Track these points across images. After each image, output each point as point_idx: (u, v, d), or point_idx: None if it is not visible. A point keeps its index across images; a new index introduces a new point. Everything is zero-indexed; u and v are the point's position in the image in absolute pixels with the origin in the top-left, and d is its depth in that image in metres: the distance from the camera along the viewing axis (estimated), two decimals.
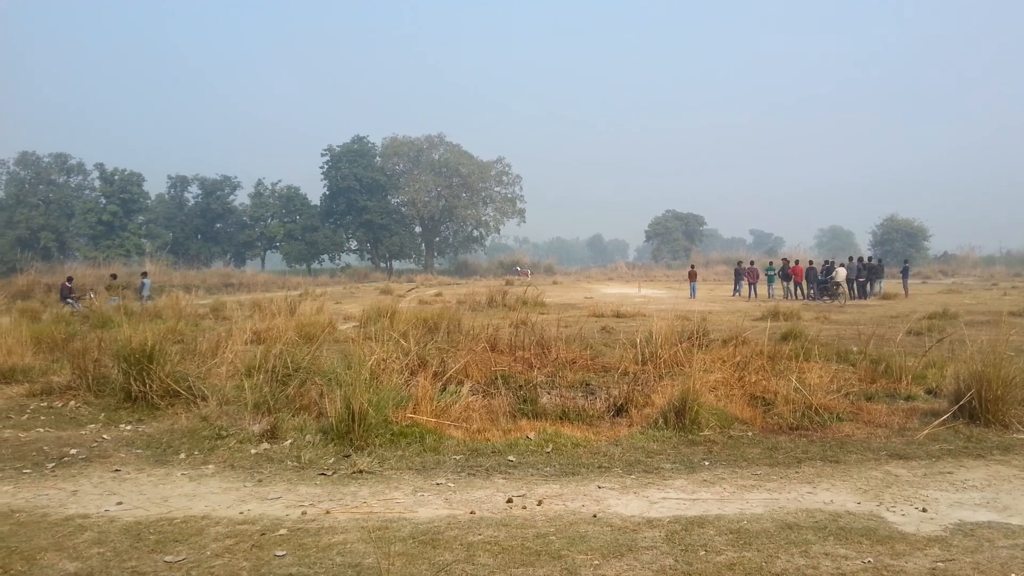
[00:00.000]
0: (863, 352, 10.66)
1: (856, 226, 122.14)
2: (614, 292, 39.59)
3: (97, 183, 73.86)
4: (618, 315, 20.67)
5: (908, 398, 8.99)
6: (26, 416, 8.69)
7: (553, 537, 4.82)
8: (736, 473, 6.39)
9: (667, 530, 4.95)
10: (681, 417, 7.67)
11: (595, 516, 5.27)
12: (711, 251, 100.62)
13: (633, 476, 6.31)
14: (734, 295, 35.17)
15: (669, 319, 12.64)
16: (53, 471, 6.60)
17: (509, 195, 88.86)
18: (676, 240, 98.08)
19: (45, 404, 9.18)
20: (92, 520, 5.31)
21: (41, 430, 8.08)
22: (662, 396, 8.24)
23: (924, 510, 5.37)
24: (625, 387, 8.82)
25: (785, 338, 12.66)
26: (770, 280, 35.97)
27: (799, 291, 32.96)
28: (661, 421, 7.75)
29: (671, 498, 5.71)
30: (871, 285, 33.04)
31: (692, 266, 43.52)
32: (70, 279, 29.33)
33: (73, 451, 7.17)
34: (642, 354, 10.25)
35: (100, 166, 73.07)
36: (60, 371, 10.47)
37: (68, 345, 11.99)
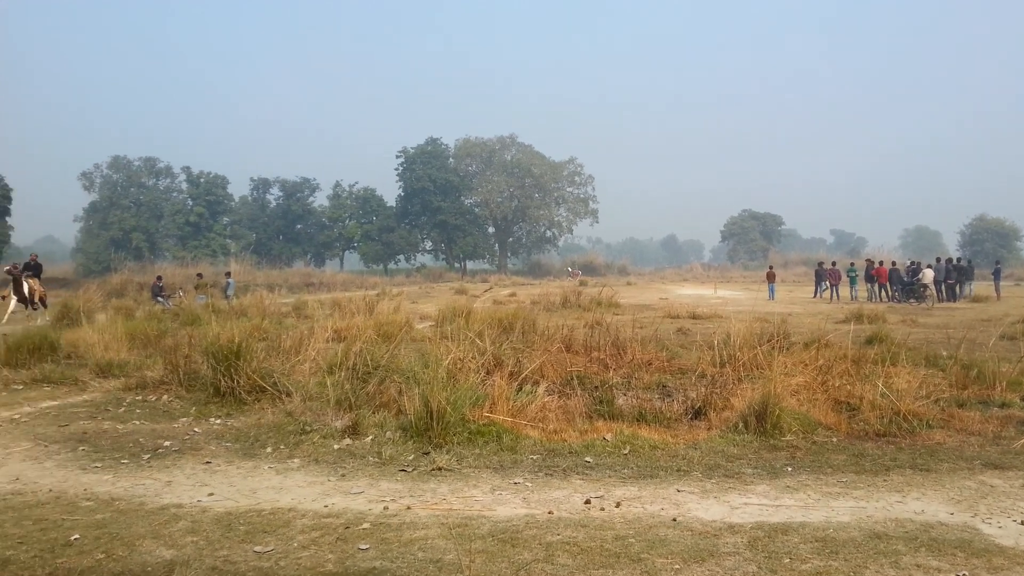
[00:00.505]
0: (953, 357, 10.25)
1: (943, 226, 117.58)
2: (689, 293, 39.04)
3: (184, 186, 76.92)
4: (694, 316, 20.39)
5: (1003, 405, 8.60)
6: (123, 409, 9.12)
7: (632, 540, 4.80)
8: (821, 480, 6.23)
9: (750, 536, 4.87)
10: (762, 421, 7.52)
11: (675, 520, 5.22)
12: (790, 252, 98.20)
13: (713, 480, 6.22)
14: (815, 297, 34.24)
15: (747, 321, 12.40)
16: (149, 462, 6.90)
17: (582, 195, 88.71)
18: (753, 240, 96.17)
19: (140, 398, 9.61)
20: (186, 510, 5.54)
21: (137, 422, 8.46)
22: (741, 399, 8.09)
23: (1023, 523, 5.14)
24: (703, 389, 8.71)
25: (870, 341, 12.28)
26: (852, 282, 34.85)
27: (883, 293, 31.87)
28: (741, 425, 7.61)
29: (753, 504, 5.61)
30: (961, 287, 31.71)
31: (770, 267, 42.59)
32: (160, 278, 30.57)
33: (167, 443, 7.49)
34: (720, 356, 10.09)
35: (187, 169, 76.19)
36: (153, 366, 10.94)
37: (160, 341, 12.52)
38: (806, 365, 9.43)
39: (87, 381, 10.69)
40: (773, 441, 7.31)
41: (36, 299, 22.07)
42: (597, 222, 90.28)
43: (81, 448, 7.34)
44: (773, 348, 10.32)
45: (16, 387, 10.45)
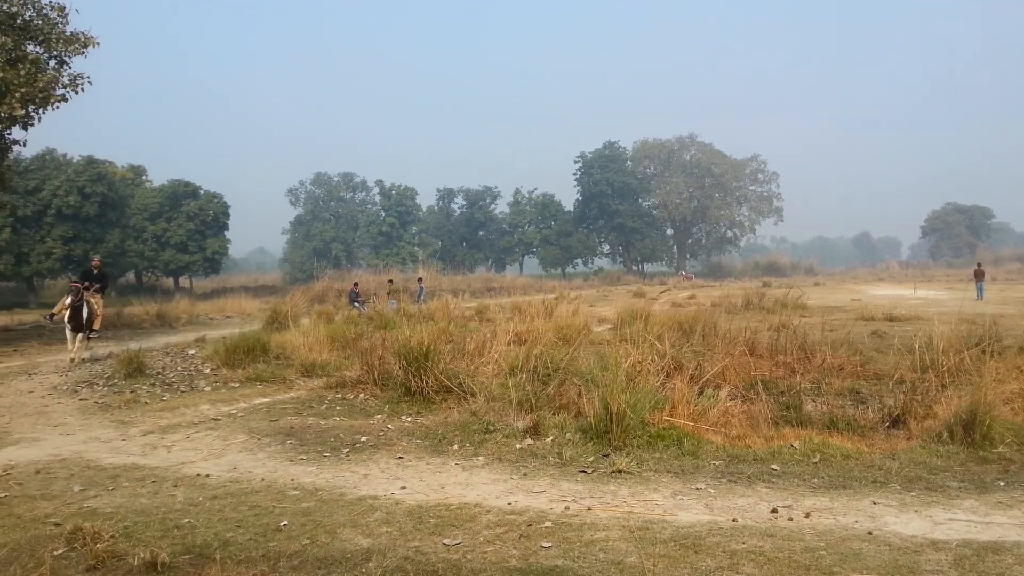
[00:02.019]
0: None
1: None
2: (885, 294, 36.41)
3: (377, 198, 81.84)
4: (891, 318, 19.01)
5: None
6: (325, 406, 9.86)
7: (823, 552, 4.60)
8: None
9: (955, 554, 4.52)
10: (970, 431, 6.92)
11: (870, 533, 4.93)
12: (1001, 247, 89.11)
13: (913, 493, 5.82)
14: None
15: (952, 323, 11.41)
16: (347, 456, 7.43)
17: (765, 193, 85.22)
18: (958, 236, 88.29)
19: (340, 396, 10.34)
20: (380, 501, 5.91)
21: (337, 419, 9.12)
22: (946, 407, 7.49)
23: None
24: (902, 396, 8.14)
25: None
26: None
27: None
28: (945, 435, 7.05)
29: (959, 519, 5.19)
30: None
31: (979, 264, 38.83)
32: (356, 284, 32.59)
33: (363, 438, 8.02)
34: (921, 361, 9.37)
35: (380, 182, 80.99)
36: (351, 367, 11.72)
37: (357, 344, 13.37)
38: (1021, 371, 8.56)
39: (293, 380, 11.64)
40: (982, 453, 6.71)
41: (95, 325, 15.72)
42: (782, 220, 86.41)
43: (289, 441, 8.02)
44: (983, 352, 9.46)
45: (233, 385, 11.57)
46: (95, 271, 17.07)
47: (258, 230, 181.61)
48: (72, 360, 14.62)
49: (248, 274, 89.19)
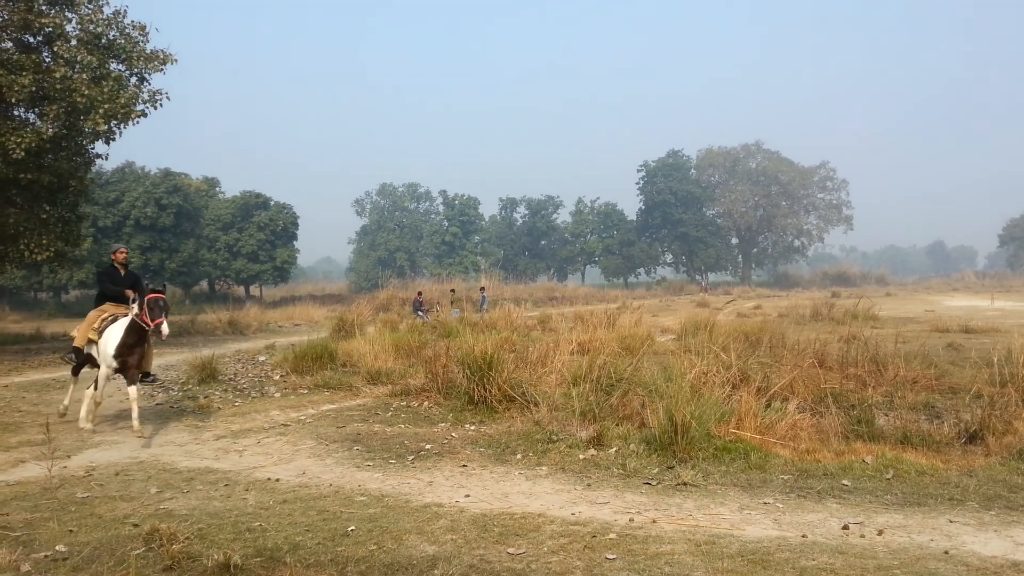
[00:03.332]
0: None
1: None
2: (960, 305, 35.15)
3: (441, 208, 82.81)
4: (967, 330, 18.35)
5: None
6: (390, 413, 10.00)
7: (897, 571, 4.47)
8: None
9: None
10: None
11: (946, 552, 4.77)
12: None
13: (993, 512, 5.60)
14: None
15: None
16: (412, 463, 7.52)
17: (834, 201, 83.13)
18: None
19: (404, 403, 10.48)
20: (445, 509, 5.97)
21: (402, 426, 9.25)
22: None
23: None
24: (979, 411, 7.85)
25: None
26: None
27: None
28: None
29: None
30: None
31: None
32: (420, 293, 32.98)
33: (428, 446, 8.11)
34: (1000, 375, 9.01)
35: (443, 192, 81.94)
36: (415, 375, 11.87)
37: (421, 352, 13.54)
38: None
39: (360, 387, 11.84)
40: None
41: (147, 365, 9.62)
42: (851, 229, 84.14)
43: (355, 448, 8.17)
44: None
45: (302, 391, 11.83)
46: (121, 269, 10.14)
47: (326, 240, 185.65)
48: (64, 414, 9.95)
49: (315, 283, 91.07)
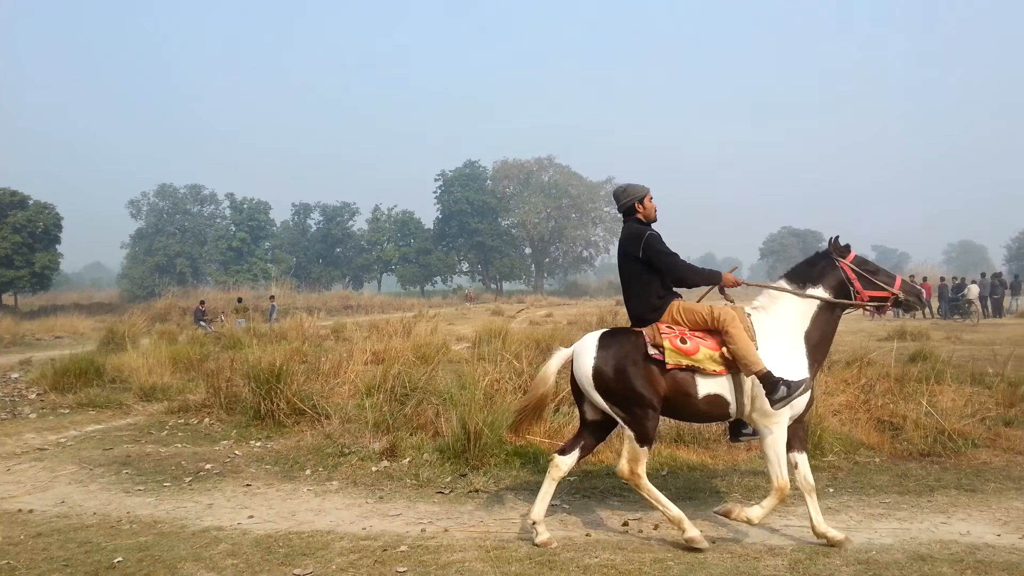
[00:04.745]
0: (1000, 374, 9.99)
1: (989, 240, 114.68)
2: None
3: (228, 212, 78.59)
4: None
5: None
6: (165, 432, 9.28)
7: (671, 562, 4.76)
8: (863, 501, 6.12)
9: (790, 559, 4.80)
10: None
11: (713, 542, 5.15)
12: None
13: (753, 502, 6.13)
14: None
15: None
16: (190, 484, 7.01)
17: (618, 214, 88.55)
18: (793, 258, 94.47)
19: (182, 421, 9.77)
20: (226, 532, 5.60)
21: (179, 445, 8.60)
22: None
23: None
24: None
25: (913, 359, 12.00)
26: None
27: (927, 310, 31.18)
28: None
29: (793, 525, 5.53)
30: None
31: None
32: (203, 302, 31.17)
33: (208, 466, 7.59)
34: None
35: (230, 195, 77.92)
36: (195, 390, 11.12)
37: (202, 365, 12.72)
38: (848, 384, 9.26)
39: (131, 405, 10.90)
40: (815, 462, 7.15)
41: None
42: None
43: (125, 471, 7.47)
44: None
45: (63, 411, 10.69)
46: None
47: (94, 243, 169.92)
48: None
49: (82, 291, 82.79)
